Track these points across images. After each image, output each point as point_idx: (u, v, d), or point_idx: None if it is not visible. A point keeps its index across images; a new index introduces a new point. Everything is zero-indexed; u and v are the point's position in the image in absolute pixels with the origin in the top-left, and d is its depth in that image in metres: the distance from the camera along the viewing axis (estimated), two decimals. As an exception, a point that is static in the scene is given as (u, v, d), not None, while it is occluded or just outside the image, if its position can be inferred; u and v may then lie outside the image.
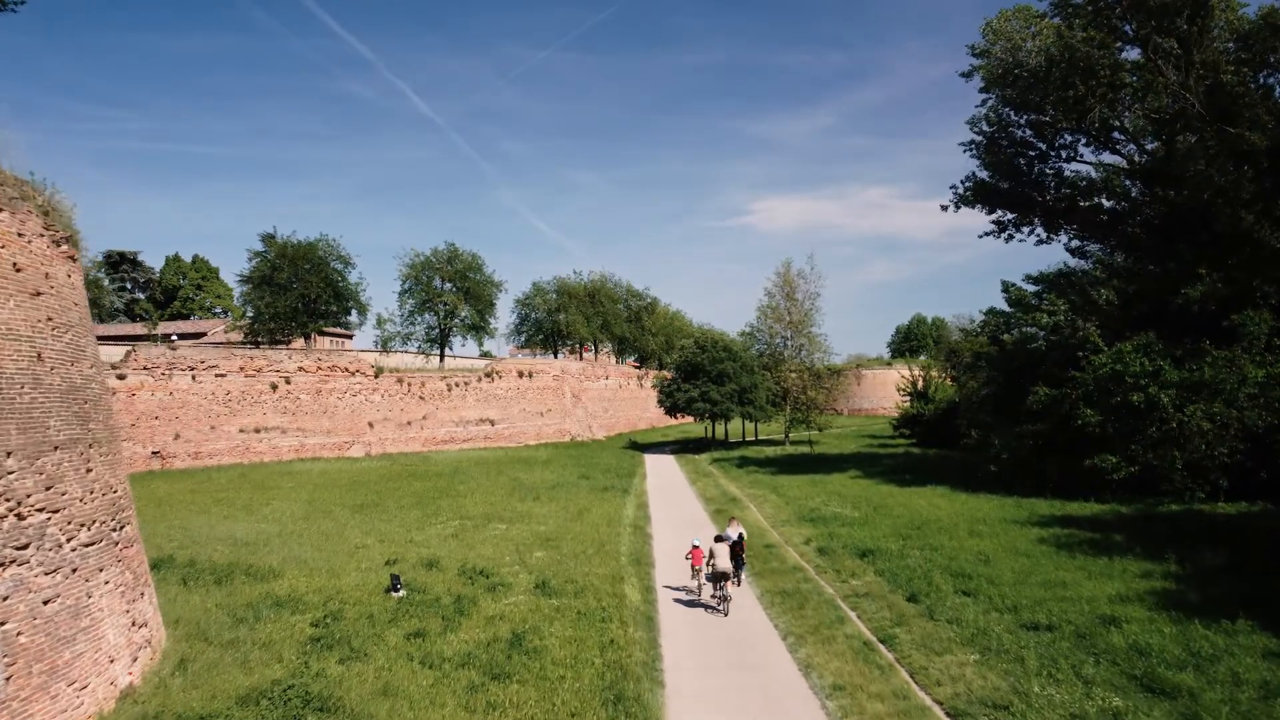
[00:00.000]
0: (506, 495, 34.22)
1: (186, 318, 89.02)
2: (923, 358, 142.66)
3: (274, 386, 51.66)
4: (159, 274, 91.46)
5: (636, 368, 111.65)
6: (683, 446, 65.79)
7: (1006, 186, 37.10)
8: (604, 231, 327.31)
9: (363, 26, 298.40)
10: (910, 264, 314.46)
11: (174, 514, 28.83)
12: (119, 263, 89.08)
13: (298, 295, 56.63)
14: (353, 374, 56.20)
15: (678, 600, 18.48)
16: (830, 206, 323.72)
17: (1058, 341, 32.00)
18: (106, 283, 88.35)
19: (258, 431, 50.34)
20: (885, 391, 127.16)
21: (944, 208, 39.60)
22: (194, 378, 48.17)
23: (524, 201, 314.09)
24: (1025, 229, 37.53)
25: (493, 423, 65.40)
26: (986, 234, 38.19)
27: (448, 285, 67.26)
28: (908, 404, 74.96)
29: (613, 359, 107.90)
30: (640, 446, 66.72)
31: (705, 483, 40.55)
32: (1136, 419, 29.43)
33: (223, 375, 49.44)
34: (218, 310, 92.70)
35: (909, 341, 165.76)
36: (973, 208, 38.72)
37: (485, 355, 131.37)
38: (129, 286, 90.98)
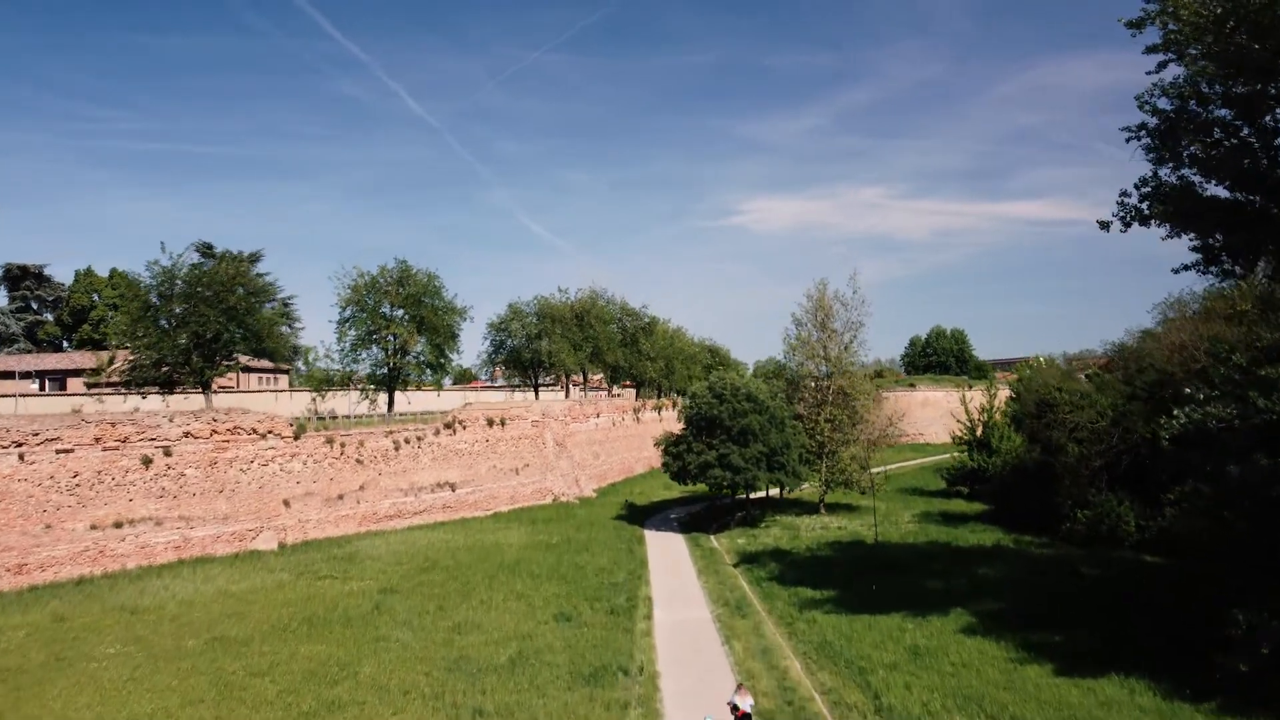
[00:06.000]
0: (432, 698, 20.89)
1: (100, 343, 74.98)
2: (957, 376, 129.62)
3: (147, 461, 38.10)
4: (68, 291, 77.21)
5: (630, 387, 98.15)
6: (693, 519, 52.08)
7: (1221, 194, 23.74)
8: (597, 232, 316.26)
9: (357, 28, 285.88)
10: (901, 264, 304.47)
11: None
12: (20, 278, 75.14)
13: (191, 333, 43.00)
14: (263, 436, 42.65)
15: None
16: (823, 206, 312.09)
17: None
18: (4, 302, 74.50)
19: (119, 526, 36.74)
20: (909, 417, 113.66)
21: (1103, 226, 26.19)
22: (22, 456, 34.58)
23: (518, 202, 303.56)
24: (1240, 258, 24.22)
25: (454, 487, 51.91)
26: (1185, 268, 24.78)
27: (399, 312, 53.70)
28: (964, 454, 61.89)
29: (604, 389, 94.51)
30: (641, 514, 53.36)
31: (744, 632, 27.21)
32: None
33: (67, 450, 35.84)
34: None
35: (926, 356, 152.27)
36: (1148, 225, 25.42)
37: (464, 376, 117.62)
38: (34, 306, 76.95)
